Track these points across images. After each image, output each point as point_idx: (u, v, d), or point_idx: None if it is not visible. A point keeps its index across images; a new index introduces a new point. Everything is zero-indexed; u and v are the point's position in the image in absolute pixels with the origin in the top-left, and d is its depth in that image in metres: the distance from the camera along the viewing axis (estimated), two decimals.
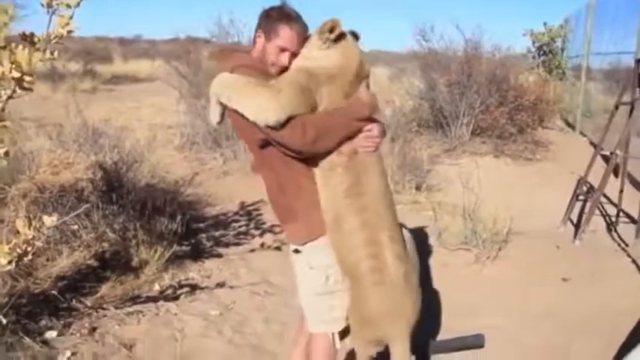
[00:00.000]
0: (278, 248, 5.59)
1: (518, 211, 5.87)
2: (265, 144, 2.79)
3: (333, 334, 2.97)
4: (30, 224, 3.15)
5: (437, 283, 4.88)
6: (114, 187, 5.29)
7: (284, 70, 2.92)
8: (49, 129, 6.81)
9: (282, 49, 2.89)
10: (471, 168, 7.69)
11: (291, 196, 2.89)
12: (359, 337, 2.96)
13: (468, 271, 5.27)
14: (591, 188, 7.21)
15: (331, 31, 2.81)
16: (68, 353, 3.61)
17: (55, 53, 2.83)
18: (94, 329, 3.91)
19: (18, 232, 3.11)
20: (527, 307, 4.65)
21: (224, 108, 2.85)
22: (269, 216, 6.01)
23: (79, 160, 5.38)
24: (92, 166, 5.29)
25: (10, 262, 3.11)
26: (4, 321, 3.44)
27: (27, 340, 3.56)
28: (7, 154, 3.20)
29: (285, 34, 2.88)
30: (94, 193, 5.04)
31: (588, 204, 6.91)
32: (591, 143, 10.38)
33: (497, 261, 5.41)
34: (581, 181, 7.02)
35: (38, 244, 3.77)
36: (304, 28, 2.95)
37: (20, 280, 4.07)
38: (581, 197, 7.25)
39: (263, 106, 2.68)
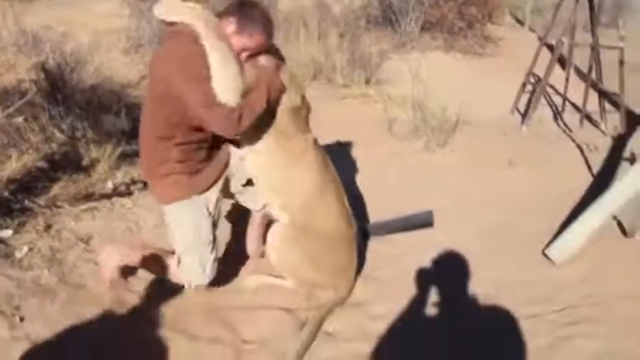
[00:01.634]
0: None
1: (467, 102, 5.94)
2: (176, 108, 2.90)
3: None
4: None
5: (387, 171, 4.96)
6: (59, 88, 5.18)
7: None
8: None
9: (245, 49, 2.96)
10: (420, 63, 7.69)
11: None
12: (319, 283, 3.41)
13: (417, 159, 5.36)
14: (539, 80, 7.31)
15: None
16: (25, 249, 3.60)
17: None
18: (49, 226, 3.90)
19: None
20: (475, 189, 4.78)
21: None
22: None
23: (20, 63, 5.24)
24: (34, 68, 5.16)
25: None
26: None
27: None
28: None
29: (257, 40, 2.95)
30: (39, 94, 4.93)
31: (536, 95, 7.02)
32: (540, 39, 10.43)
33: (445, 148, 5.52)
34: (529, 71, 7.09)
35: None
36: (272, 33, 3.04)
37: None
38: (528, 88, 7.35)
39: (234, 81, 2.84)
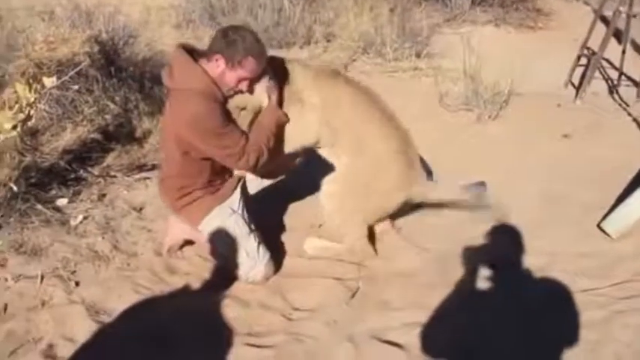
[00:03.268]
0: None
1: (520, 75, 5.80)
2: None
3: None
4: (30, 87, 3.15)
5: (439, 144, 4.90)
6: (112, 61, 5.24)
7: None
8: (40, 15, 6.68)
9: (244, 79, 2.92)
10: (471, 36, 7.57)
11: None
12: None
13: (469, 131, 5.28)
14: (593, 53, 7.12)
15: None
16: (80, 217, 3.68)
17: None
18: (103, 195, 3.98)
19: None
20: (528, 161, 4.68)
21: None
22: None
23: (75, 36, 5.31)
24: (88, 41, 5.22)
25: (14, 127, 3.14)
26: (15, 188, 3.49)
27: (39, 207, 3.62)
28: None
29: (250, 67, 2.89)
30: (93, 67, 4.99)
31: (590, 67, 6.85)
32: (595, 11, 10.16)
33: (498, 120, 5.42)
34: (583, 44, 6.91)
35: (41, 106, 3.82)
36: (265, 54, 2.95)
37: (27, 155, 4.09)
38: (583, 61, 7.17)
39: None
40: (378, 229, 3.67)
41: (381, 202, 3.38)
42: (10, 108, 3.11)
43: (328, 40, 7.59)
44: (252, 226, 3.28)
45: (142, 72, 5.35)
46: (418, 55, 7.09)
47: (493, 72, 5.65)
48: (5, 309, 2.91)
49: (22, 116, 3.13)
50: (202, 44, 7.85)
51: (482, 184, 3.98)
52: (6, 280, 3.07)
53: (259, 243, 3.26)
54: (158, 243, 3.53)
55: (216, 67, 2.89)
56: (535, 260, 3.43)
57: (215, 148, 2.93)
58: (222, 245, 3.21)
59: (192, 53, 2.98)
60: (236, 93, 2.99)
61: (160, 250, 3.47)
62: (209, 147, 2.93)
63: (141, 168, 4.36)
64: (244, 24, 7.30)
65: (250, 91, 2.98)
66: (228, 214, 3.20)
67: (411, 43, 7.19)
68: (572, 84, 6.79)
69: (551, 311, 3.01)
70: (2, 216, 3.40)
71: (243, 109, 2.96)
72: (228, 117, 2.96)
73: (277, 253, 3.37)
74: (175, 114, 2.94)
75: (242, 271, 3.22)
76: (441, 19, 8.98)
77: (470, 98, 5.60)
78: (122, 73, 5.19)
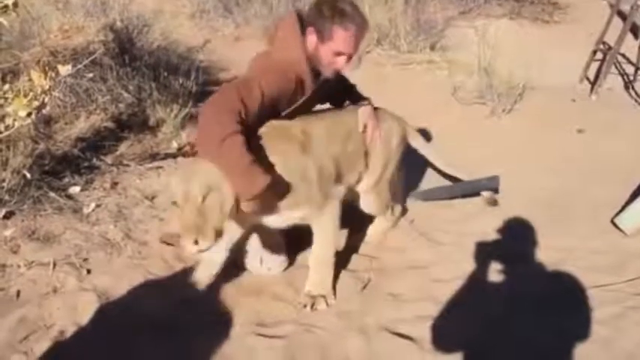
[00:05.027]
0: None
1: (535, 68, 5.78)
2: None
3: None
4: (45, 75, 3.15)
5: (452, 137, 4.88)
6: (126, 50, 5.25)
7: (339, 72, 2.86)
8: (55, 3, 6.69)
9: (338, 54, 2.75)
10: (486, 29, 7.53)
11: None
12: None
13: (483, 124, 5.27)
14: (609, 48, 7.07)
15: None
16: (93, 205, 3.69)
17: None
18: (116, 184, 3.98)
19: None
20: (543, 155, 4.67)
21: None
22: None
23: (89, 24, 5.32)
24: (103, 29, 5.23)
25: (29, 115, 3.13)
26: (29, 175, 3.50)
27: (52, 194, 3.63)
28: (15, 4, 3.16)
29: (340, 38, 2.71)
30: (107, 55, 5.01)
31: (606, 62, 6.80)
32: (612, 6, 10.08)
33: (512, 114, 5.40)
34: (600, 39, 6.86)
35: (55, 94, 3.82)
36: (361, 24, 2.75)
37: (41, 143, 4.10)
38: (598, 56, 7.12)
39: None
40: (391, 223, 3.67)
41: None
42: (25, 95, 3.10)
43: None
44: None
45: (157, 61, 5.35)
46: (432, 48, 7.08)
47: (508, 65, 5.62)
48: (18, 295, 2.92)
49: (36, 104, 3.11)
50: (217, 35, 7.95)
51: (495, 177, 3.97)
52: (19, 266, 3.08)
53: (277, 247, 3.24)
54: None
55: (311, 42, 2.77)
56: (548, 255, 3.41)
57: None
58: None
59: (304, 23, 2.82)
60: (338, 73, 2.88)
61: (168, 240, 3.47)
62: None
63: (154, 157, 4.37)
64: (259, 15, 7.35)
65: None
66: None
67: (426, 36, 7.18)
68: (588, 79, 6.75)
69: (564, 307, 2.99)
70: (16, 203, 3.41)
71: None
72: (281, 100, 2.76)
73: (289, 244, 3.36)
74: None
75: (254, 266, 3.22)
76: (456, 11, 8.95)
77: (484, 92, 5.58)
78: (136, 62, 5.19)
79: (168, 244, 3.41)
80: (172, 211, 3.30)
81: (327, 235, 3.01)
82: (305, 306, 2.96)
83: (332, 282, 3.08)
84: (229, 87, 2.57)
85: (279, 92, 2.69)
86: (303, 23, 2.80)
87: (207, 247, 2.46)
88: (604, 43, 6.85)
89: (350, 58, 2.79)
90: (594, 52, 6.87)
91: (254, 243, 3.18)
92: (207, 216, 2.45)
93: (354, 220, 3.59)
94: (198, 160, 2.62)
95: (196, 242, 2.42)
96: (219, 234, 2.49)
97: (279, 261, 3.24)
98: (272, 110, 2.73)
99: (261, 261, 3.19)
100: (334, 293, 3.07)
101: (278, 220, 2.82)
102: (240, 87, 2.56)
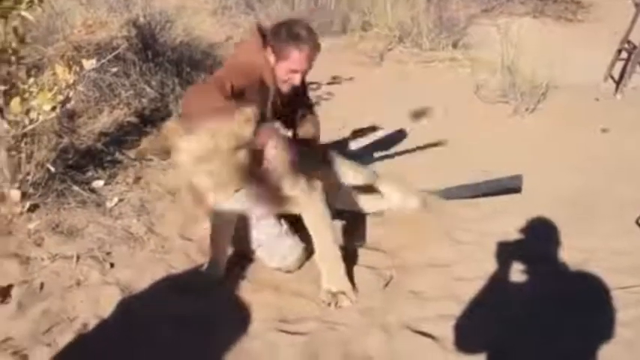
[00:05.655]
0: (315, 103, 5.59)
1: (558, 67, 5.73)
2: None
3: None
4: (70, 69, 3.17)
5: (474, 136, 4.86)
6: (149, 45, 5.27)
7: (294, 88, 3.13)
8: None
9: (293, 71, 3.01)
10: (509, 27, 7.49)
11: None
12: None
13: (506, 123, 5.24)
14: (634, 47, 7.00)
15: None
16: (116, 199, 3.71)
17: None
18: (138, 178, 4.00)
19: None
20: (566, 154, 4.64)
21: None
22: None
23: (112, 20, 5.36)
24: (126, 25, 5.26)
25: (53, 109, 3.15)
26: (53, 169, 3.52)
27: (75, 188, 3.66)
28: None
29: (294, 58, 2.98)
30: (130, 51, 5.03)
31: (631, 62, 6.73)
32: (637, 4, 9.97)
33: (536, 113, 5.37)
34: (624, 38, 6.80)
35: (79, 89, 3.85)
36: (313, 46, 3.02)
37: (65, 137, 4.13)
38: (623, 55, 7.05)
39: None
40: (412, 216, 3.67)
41: None
42: (50, 90, 3.12)
43: (364, 29, 7.59)
44: (281, 222, 3.26)
45: (179, 57, 5.38)
46: (455, 46, 7.07)
47: (531, 64, 5.59)
48: (41, 287, 2.94)
49: (61, 98, 3.14)
50: (238, 32, 7.96)
51: (518, 176, 3.95)
52: (42, 259, 3.10)
53: (288, 237, 3.24)
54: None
55: (270, 59, 3.03)
56: (571, 255, 3.37)
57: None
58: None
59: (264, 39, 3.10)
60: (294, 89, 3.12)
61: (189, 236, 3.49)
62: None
63: None
64: (280, 12, 7.36)
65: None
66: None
67: (448, 33, 7.17)
68: (612, 78, 6.69)
69: (587, 308, 2.96)
70: (40, 196, 3.43)
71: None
72: (248, 95, 2.92)
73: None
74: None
75: (274, 263, 3.22)
76: (478, 9, 8.92)
77: (507, 90, 5.55)
78: (159, 57, 5.22)
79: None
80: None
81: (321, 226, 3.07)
82: (329, 304, 2.96)
83: (349, 277, 3.08)
84: (203, 83, 2.83)
85: (245, 88, 2.92)
86: (264, 36, 3.10)
87: (226, 199, 2.69)
88: (629, 42, 6.78)
89: (304, 74, 3.10)
90: (619, 51, 6.81)
91: (262, 235, 3.19)
92: (226, 169, 2.61)
93: (372, 218, 3.65)
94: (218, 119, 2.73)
95: (215, 195, 2.66)
96: (237, 187, 2.68)
97: (289, 247, 3.23)
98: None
99: (271, 251, 3.20)
100: (354, 289, 3.06)
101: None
102: (213, 81, 2.91)
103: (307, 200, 2.99)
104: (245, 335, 2.77)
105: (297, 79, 3.06)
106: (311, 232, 3.05)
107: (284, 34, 2.97)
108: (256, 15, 8.21)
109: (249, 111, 2.70)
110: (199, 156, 2.61)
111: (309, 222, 3.05)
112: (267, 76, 3.06)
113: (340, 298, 2.97)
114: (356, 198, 3.72)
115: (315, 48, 3.04)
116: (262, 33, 3.12)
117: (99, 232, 3.39)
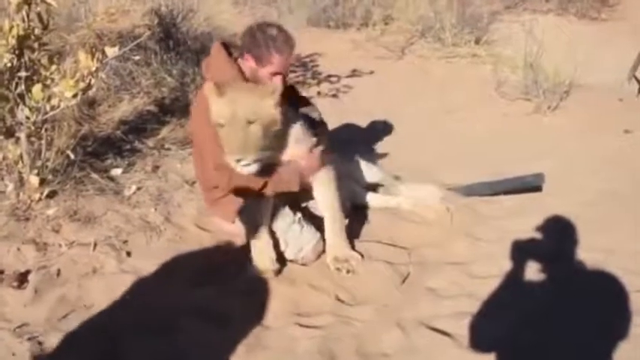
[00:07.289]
0: (334, 95, 5.62)
1: (581, 66, 5.68)
2: None
3: None
4: (92, 56, 3.17)
5: (496, 132, 4.83)
6: (171, 34, 5.27)
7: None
8: None
9: (276, 74, 3.05)
10: (532, 24, 7.43)
11: None
12: None
13: (527, 121, 5.20)
14: None
15: None
16: (134, 188, 3.71)
17: None
18: (157, 167, 4.00)
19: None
20: (588, 154, 4.57)
21: None
22: (325, 66, 6.02)
23: (135, 8, 5.36)
24: (148, 14, 5.26)
25: (74, 96, 3.15)
26: (72, 156, 3.52)
27: (94, 175, 3.66)
28: None
29: (277, 61, 3.04)
30: (152, 40, 5.03)
31: None
32: None
33: (557, 111, 5.32)
34: None
35: (102, 75, 3.85)
36: (291, 45, 3.09)
37: (84, 125, 4.14)
38: None
39: None
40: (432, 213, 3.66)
41: None
42: (71, 77, 3.12)
43: (386, 23, 7.55)
44: (294, 213, 3.27)
45: (200, 46, 5.38)
46: (477, 42, 7.02)
47: (553, 62, 5.53)
48: (58, 274, 2.95)
49: (82, 85, 3.14)
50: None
51: (539, 174, 3.91)
52: (60, 245, 3.11)
53: (302, 227, 3.23)
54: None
55: (248, 66, 3.09)
56: (591, 256, 3.32)
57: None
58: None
59: (230, 50, 3.21)
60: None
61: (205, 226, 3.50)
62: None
63: None
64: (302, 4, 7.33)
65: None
66: (257, 203, 3.19)
67: (471, 29, 7.11)
68: (636, 78, 6.62)
69: (606, 309, 2.92)
70: (59, 183, 3.44)
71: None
72: None
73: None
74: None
75: (289, 254, 3.21)
76: (502, 6, 8.86)
77: (529, 87, 5.50)
78: (180, 46, 5.23)
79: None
80: None
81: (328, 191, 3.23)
82: (348, 271, 3.09)
83: (367, 272, 3.14)
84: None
85: None
86: (229, 50, 3.21)
87: (248, 163, 2.79)
88: None
89: (285, 75, 3.16)
90: None
91: (278, 229, 3.20)
92: (250, 135, 2.78)
93: (392, 214, 3.62)
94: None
95: (239, 160, 2.77)
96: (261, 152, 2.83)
97: (305, 238, 3.23)
98: None
99: (286, 244, 3.20)
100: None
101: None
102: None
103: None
104: (260, 327, 2.77)
105: (279, 81, 3.05)
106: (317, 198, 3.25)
107: (261, 40, 3.01)
108: (277, 7, 8.20)
109: (271, 85, 2.87)
110: (218, 122, 2.80)
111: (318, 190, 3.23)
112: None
113: (350, 265, 3.11)
114: (375, 194, 3.72)
115: (293, 46, 3.10)
116: (226, 47, 3.22)
117: (116, 220, 3.40)
